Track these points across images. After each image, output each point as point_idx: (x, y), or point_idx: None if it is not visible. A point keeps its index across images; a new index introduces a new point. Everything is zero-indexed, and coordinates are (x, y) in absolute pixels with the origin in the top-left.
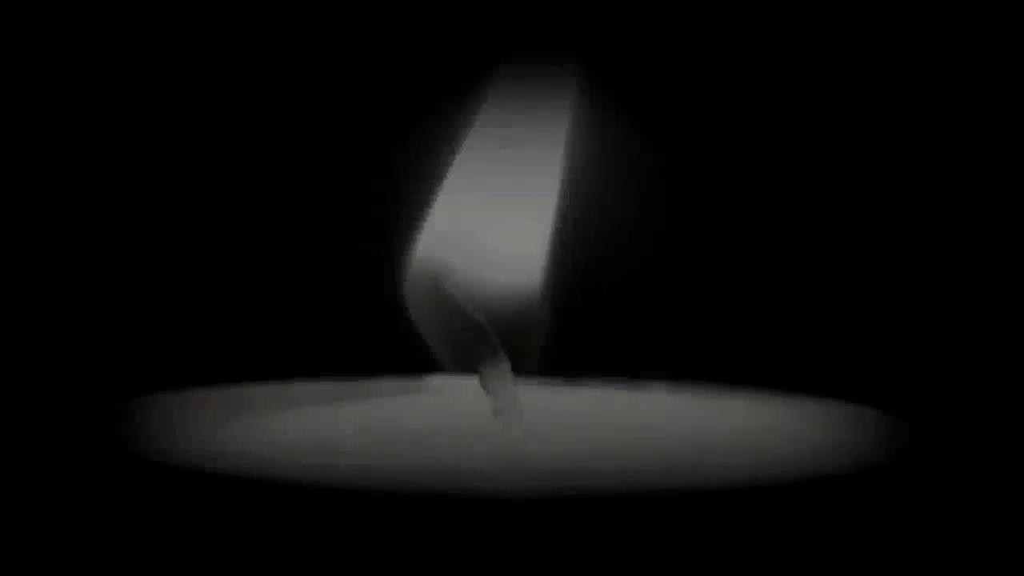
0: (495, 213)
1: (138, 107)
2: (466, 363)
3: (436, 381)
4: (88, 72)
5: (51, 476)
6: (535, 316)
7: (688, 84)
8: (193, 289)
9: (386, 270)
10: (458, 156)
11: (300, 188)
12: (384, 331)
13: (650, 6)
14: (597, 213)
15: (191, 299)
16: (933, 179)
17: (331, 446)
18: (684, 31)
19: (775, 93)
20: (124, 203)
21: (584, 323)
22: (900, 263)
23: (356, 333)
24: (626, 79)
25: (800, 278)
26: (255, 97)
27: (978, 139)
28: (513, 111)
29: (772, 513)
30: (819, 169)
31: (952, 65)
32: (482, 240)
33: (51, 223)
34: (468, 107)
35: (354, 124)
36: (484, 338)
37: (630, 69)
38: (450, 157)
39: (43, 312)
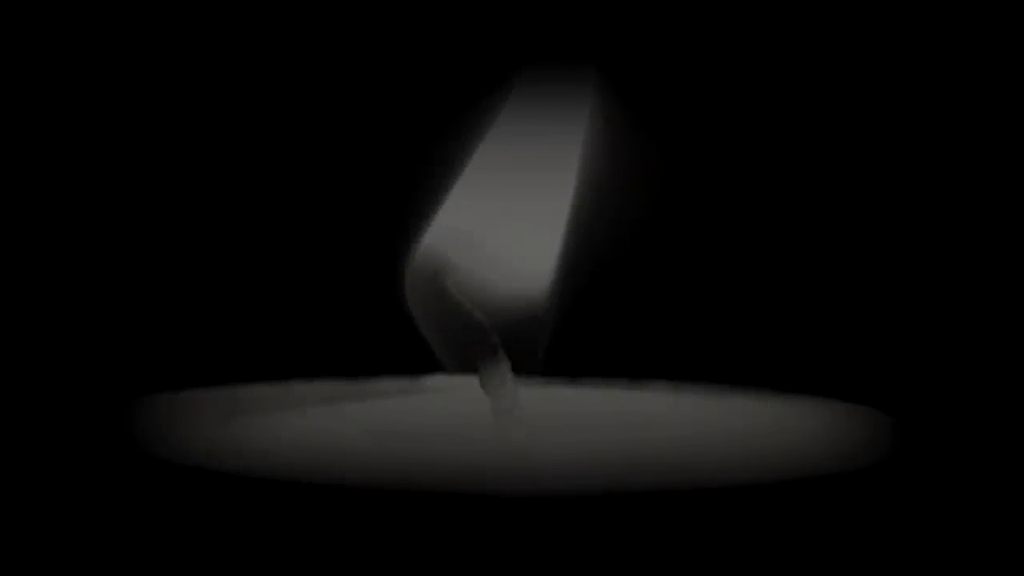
0: (504, 214)
1: (139, 107)
2: (466, 363)
3: (436, 381)
4: (89, 72)
5: (53, 475)
6: (539, 317)
7: (692, 90)
8: (193, 289)
9: (387, 270)
10: (472, 157)
11: (299, 188)
12: (384, 331)
13: (667, 14)
14: (600, 214)
15: (191, 299)
16: (932, 179)
17: (331, 446)
18: (700, 40)
19: (778, 100)
20: (124, 203)
21: (585, 323)
22: (898, 263)
23: (356, 333)
24: (642, 88)
25: (800, 278)
26: (257, 96)
27: (977, 139)
28: (530, 116)
29: (772, 513)
30: (819, 171)
31: (952, 65)
32: (487, 240)
33: (52, 223)
34: (483, 110)
35: (358, 124)
36: (484, 338)
37: (646, 78)
38: (463, 158)
39: (45, 312)
